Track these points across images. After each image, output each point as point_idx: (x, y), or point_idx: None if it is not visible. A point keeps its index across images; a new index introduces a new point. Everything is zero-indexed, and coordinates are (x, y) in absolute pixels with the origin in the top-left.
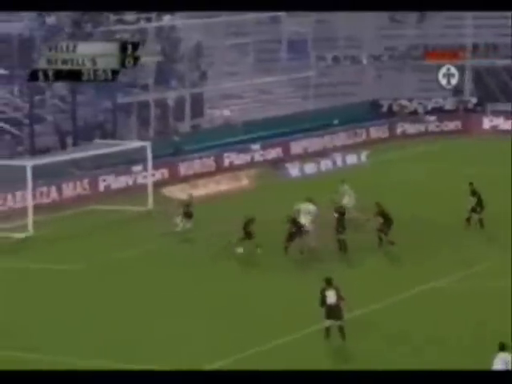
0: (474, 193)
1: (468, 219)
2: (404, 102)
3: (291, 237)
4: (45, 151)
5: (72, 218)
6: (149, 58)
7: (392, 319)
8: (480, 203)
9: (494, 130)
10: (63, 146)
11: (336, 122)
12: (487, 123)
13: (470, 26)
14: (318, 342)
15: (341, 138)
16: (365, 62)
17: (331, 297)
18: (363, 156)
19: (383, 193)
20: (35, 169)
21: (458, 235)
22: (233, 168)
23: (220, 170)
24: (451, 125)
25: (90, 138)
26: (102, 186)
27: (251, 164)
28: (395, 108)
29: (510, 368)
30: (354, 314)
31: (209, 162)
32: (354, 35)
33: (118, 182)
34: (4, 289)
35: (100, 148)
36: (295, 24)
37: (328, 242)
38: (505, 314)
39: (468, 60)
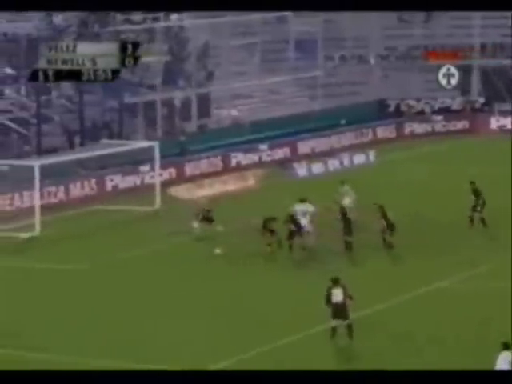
0: (475, 192)
1: (471, 219)
2: (411, 102)
3: (291, 235)
4: (52, 151)
5: (79, 217)
6: (156, 57)
7: (396, 319)
8: (482, 202)
9: (502, 129)
10: (70, 146)
11: (343, 121)
12: (494, 123)
13: (477, 25)
14: (323, 341)
15: (348, 138)
16: (372, 61)
17: (338, 295)
18: (370, 156)
19: (390, 192)
20: (42, 169)
21: (463, 235)
22: (240, 168)
23: (227, 170)
24: (458, 125)
25: (97, 137)
26: (109, 186)
27: (258, 164)
28: (403, 108)
29: None
30: (358, 314)
31: (216, 162)
32: (362, 35)
33: (126, 181)
34: (10, 288)
35: (107, 148)
36: (302, 24)
37: (333, 242)
38: (509, 314)
39: (475, 60)
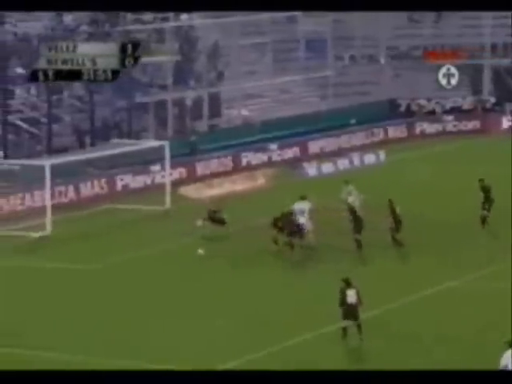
0: (483, 189)
1: (482, 218)
2: (422, 102)
3: (292, 234)
4: (63, 151)
5: (89, 217)
6: (167, 57)
7: (405, 319)
8: (490, 200)
9: None
10: (81, 146)
11: (354, 121)
12: (506, 123)
13: (488, 25)
14: (332, 341)
15: (358, 138)
16: (382, 61)
17: (352, 296)
18: (381, 155)
19: (400, 192)
20: (53, 168)
21: (473, 235)
22: (250, 168)
23: (237, 169)
24: (469, 124)
25: (108, 137)
26: (119, 186)
27: (268, 164)
28: (413, 108)
29: None
30: (367, 315)
31: (226, 162)
32: (371, 34)
33: (136, 181)
34: (22, 287)
35: (117, 147)
36: (312, 23)
37: (341, 241)
38: None
39: (486, 59)
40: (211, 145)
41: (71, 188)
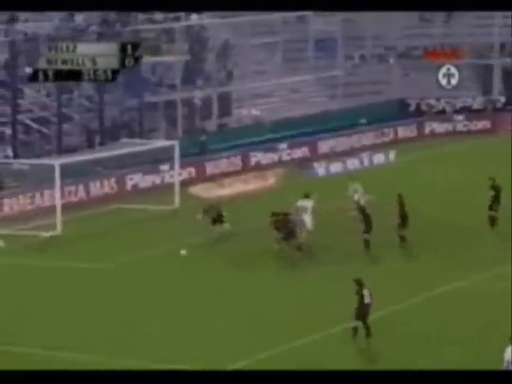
0: (494, 188)
1: (491, 219)
2: (432, 102)
3: (286, 238)
4: (72, 150)
5: (99, 216)
6: (176, 57)
7: (412, 319)
8: (498, 201)
9: None
10: (91, 145)
11: (363, 121)
12: None
13: (497, 25)
14: (341, 341)
15: (368, 138)
16: (392, 61)
17: (367, 297)
18: (390, 155)
19: (410, 192)
20: (63, 168)
21: (483, 236)
22: (259, 167)
23: (246, 169)
24: (480, 124)
25: (117, 137)
26: (129, 185)
27: (278, 163)
28: (423, 107)
29: None
30: (375, 315)
31: (236, 162)
32: (381, 34)
33: (146, 181)
34: (32, 287)
35: (127, 147)
36: (322, 23)
37: (348, 241)
38: None
39: (495, 59)
40: (220, 144)
41: (81, 188)
